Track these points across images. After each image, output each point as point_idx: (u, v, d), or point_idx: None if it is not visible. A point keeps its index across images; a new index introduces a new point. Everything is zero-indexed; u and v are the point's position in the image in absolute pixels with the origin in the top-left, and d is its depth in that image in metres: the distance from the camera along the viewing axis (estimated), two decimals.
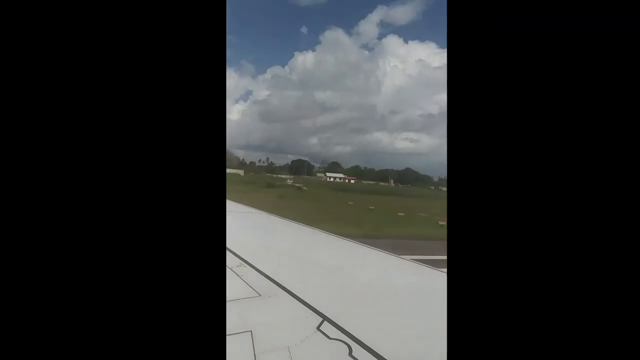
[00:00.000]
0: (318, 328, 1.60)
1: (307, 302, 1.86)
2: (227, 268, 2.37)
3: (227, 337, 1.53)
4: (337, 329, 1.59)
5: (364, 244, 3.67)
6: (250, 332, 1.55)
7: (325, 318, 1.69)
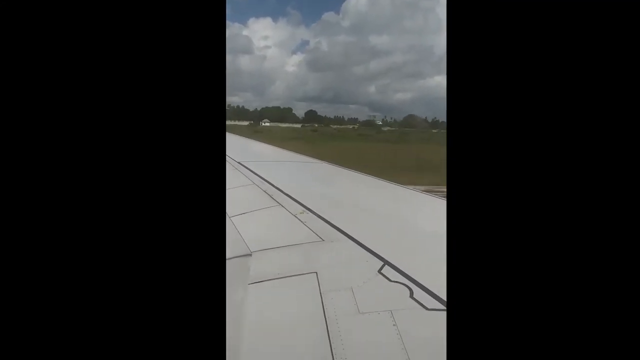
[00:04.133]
0: (379, 271, 1.66)
1: (368, 247, 1.92)
2: (290, 214, 2.51)
3: (294, 277, 1.66)
4: (398, 272, 1.64)
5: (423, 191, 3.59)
6: (315, 274, 1.66)
7: (386, 262, 1.74)
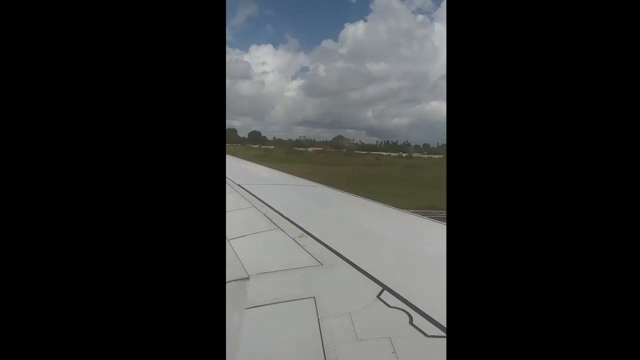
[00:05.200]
0: (378, 296, 1.64)
1: (367, 271, 1.91)
2: (289, 238, 2.50)
3: (292, 302, 1.64)
4: (398, 298, 1.62)
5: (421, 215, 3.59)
6: (313, 299, 1.64)
7: (385, 287, 1.72)
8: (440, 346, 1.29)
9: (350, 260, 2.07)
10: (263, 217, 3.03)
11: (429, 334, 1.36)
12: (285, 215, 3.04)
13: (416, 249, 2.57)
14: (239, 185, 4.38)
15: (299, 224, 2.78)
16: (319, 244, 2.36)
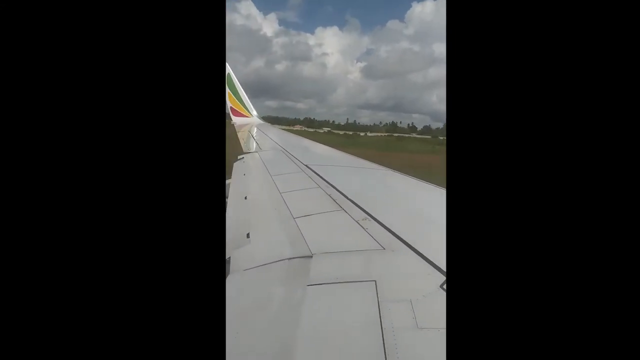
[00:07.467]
0: (441, 286, 1.58)
1: (430, 259, 1.85)
2: (353, 220, 2.51)
3: (353, 283, 1.66)
4: None
5: None
6: (374, 282, 1.64)
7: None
8: None
9: (414, 247, 2.02)
10: (328, 198, 3.08)
11: None
12: (350, 197, 3.06)
13: None
14: (306, 165, 4.50)
15: (363, 207, 2.77)
16: (382, 228, 2.34)
